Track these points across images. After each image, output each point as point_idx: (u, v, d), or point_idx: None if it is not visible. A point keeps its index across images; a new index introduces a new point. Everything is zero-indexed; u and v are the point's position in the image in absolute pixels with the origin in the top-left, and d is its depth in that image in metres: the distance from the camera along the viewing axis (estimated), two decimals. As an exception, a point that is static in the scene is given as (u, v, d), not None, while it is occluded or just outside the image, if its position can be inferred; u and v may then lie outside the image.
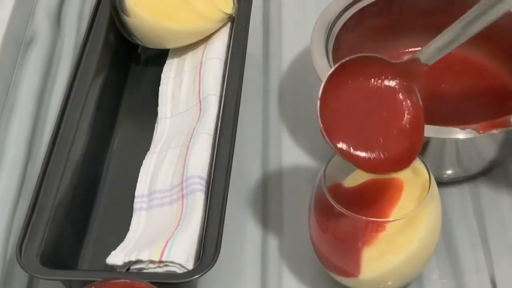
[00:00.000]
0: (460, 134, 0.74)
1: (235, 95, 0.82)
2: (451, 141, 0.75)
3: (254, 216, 0.81)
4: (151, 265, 0.72)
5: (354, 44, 0.86)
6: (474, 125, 0.74)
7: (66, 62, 0.97)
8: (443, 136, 0.74)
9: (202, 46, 0.90)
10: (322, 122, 0.65)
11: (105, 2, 0.91)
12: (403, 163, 0.67)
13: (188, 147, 0.80)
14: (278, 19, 1.00)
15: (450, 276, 0.76)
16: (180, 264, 0.71)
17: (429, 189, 0.68)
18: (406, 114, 0.68)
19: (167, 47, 0.92)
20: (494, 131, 0.73)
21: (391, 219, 0.68)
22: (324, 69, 0.79)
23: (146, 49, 0.94)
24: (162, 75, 0.91)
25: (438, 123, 0.75)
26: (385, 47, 0.89)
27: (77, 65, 0.85)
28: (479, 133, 0.73)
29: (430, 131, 0.74)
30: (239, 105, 0.82)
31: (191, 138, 0.81)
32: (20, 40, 0.99)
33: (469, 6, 0.87)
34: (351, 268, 0.70)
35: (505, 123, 0.74)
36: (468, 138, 0.74)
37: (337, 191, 0.70)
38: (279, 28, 0.99)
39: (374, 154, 0.67)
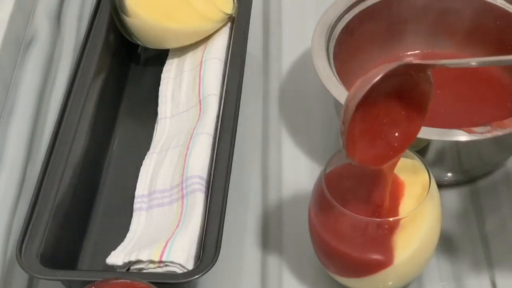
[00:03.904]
0: (463, 136, 0.73)
1: (235, 95, 0.82)
2: (452, 143, 0.75)
3: (254, 216, 0.81)
4: (151, 265, 0.72)
5: (355, 47, 0.86)
6: (480, 127, 0.73)
7: (66, 62, 0.97)
8: (445, 139, 0.74)
9: (202, 46, 0.90)
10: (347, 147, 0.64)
11: (105, 2, 0.91)
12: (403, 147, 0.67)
13: (188, 147, 0.80)
14: (278, 19, 1.00)
15: (450, 276, 0.76)
16: (180, 264, 0.71)
17: (429, 189, 0.68)
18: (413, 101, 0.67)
19: (167, 47, 0.92)
20: (500, 133, 0.73)
21: (391, 219, 0.67)
22: (325, 72, 0.79)
23: (146, 49, 0.94)
24: (162, 75, 0.91)
25: (438, 125, 0.75)
26: (385, 50, 0.89)
27: (77, 65, 0.85)
28: (487, 135, 0.73)
29: (432, 133, 0.74)
30: (239, 105, 0.82)
31: (191, 138, 0.81)
32: (20, 40, 0.99)
33: (469, 9, 0.87)
34: (354, 267, 0.70)
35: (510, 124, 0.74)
36: (469, 141, 0.73)
37: (338, 190, 0.70)
38: (279, 28, 0.99)
39: (383, 147, 0.67)
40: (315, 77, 0.80)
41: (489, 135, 0.73)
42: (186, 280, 0.69)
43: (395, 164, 0.68)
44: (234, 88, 0.83)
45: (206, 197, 0.76)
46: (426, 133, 0.74)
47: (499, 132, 0.73)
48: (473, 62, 0.68)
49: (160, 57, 0.93)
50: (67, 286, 0.74)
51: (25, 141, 0.89)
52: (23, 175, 0.86)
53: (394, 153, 0.67)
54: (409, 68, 0.64)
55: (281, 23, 0.99)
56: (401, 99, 0.66)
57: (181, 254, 0.71)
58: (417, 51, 0.90)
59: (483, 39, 0.87)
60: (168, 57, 0.92)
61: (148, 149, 0.84)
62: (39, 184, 0.76)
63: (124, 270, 0.73)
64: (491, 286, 0.75)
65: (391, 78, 0.63)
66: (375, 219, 0.67)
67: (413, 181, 0.70)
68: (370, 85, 0.62)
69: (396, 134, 0.67)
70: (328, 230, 0.70)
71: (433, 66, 0.64)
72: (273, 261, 0.78)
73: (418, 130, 0.67)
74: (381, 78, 0.62)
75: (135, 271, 0.72)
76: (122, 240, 0.76)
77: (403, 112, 0.66)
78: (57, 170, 0.77)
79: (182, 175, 0.78)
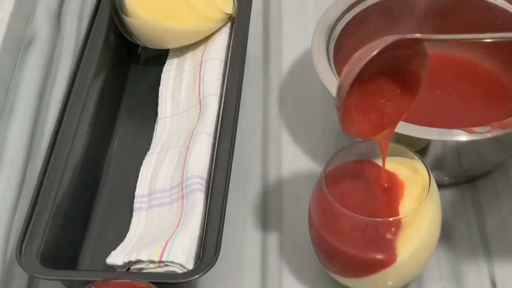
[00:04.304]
0: (463, 136, 0.73)
1: (235, 95, 0.82)
2: (452, 143, 0.75)
3: (254, 216, 0.81)
4: (151, 265, 0.72)
5: (355, 46, 0.86)
6: (480, 127, 0.73)
7: (66, 62, 0.97)
8: (445, 139, 0.74)
9: (202, 46, 0.90)
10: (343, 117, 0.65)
11: (105, 2, 0.91)
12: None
13: (188, 147, 0.80)
14: (278, 19, 1.00)
15: (450, 276, 0.76)
16: (180, 264, 0.71)
17: (429, 189, 0.68)
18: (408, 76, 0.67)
19: (167, 47, 0.92)
20: (500, 133, 0.73)
21: (391, 219, 0.67)
22: (325, 72, 0.79)
23: (146, 49, 0.94)
24: (162, 75, 0.91)
25: (438, 125, 0.75)
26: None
27: (77, 65, 0.85)
28: (487, 135, 0.73)
29: (432, 133, 0.74)
30: (239, 105, 0.82)
31: (191, 138, 0.81)
32: (20, 40, 0.99)
33: (469, 9, 0.87)
34: (354, 266, 0.70)
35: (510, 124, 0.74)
36: (469, 141, 0.73)
37: (338, 190, 0.70)
38: (279, 28, 0.99)
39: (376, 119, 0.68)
40: (315, 77, 0.80)
41: (489, 135, 0.73)
42: (186, 280, 0.69)
43: (391, 134, 0.69)
44: (234, 88, 0.83)
45: (206, 197, 0.76)
46: (426, 133, 0.74)
47: (499, 132, 0.73)
48: (468, 37, 0.69)
49: (160, 57, 0.93)
50: (67, 286, 0.74)
51: (25, 141, 0.89)
52: (23, 175, 0.86)
53: (390, 124, 0.68)
54: (404, 43, 0.64)
55: (281, 23, 0.99)
56: (396, 72, 0.66)
57: (181, 254, 0.71)
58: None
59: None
60: (168, 57, 0.92)
61: (148, 149, 0.84)
62: (39, 184, 0.76)
63: (124, 270, 0.73)
64: (491, 286, 0.75)
65: (386, 53, 0.63)
66: (375, 219, 0.67)
67: (413, 181, 0.70)
68: (364, 62, 0.62)
69: (391, 106, 0.67)
70: (328, 230, 0.70)
71: (428, 41, 0.65)
72: (273, 261, 0.78)
73: (412, 101, 0.67)
74: (375, 55, 0.62)
75: (135, 271, 0.72)
76: (122, 240, 0.76)
77: (398, 85, 0.67)
78: (57, 170, 0.77)
79: (182, 175, 0.78)
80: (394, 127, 0.69)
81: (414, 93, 0.67)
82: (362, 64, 0.62)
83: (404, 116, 0.68)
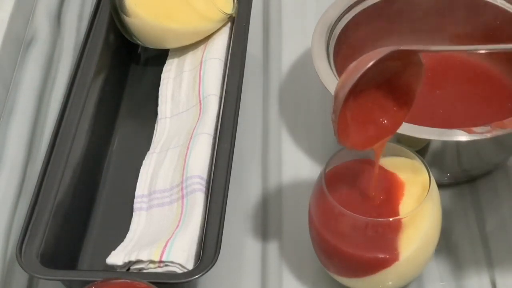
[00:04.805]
0: (463, 136, 0.73)
1: (235, 95, 0.82)
2: (452, 143, 0.75)
3: (254, 216, 0.81)
4: (151, 265, 0.72)
5: (355, 46, 0.86)
6: (480, 127, 0.73)
7: (66, 62, 0.97)
8: (445, 139, 0.74)
9: (202, 46, 0.90)
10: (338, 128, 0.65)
11: (105, 2, 0.91)
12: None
13: (188, 147, 0.80)
14: (278, 19, 1.00)
15: (450, 276, 0.76)
16: (180, 264, 0.71)
17: (429, 189, 0.68)
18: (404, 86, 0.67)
19: (167, 47, 0.92)
20: (500, 133, 0.73)
21: (391, 219, 0.67)
22: (325, 72, 0.79)
23: (146, 49, 0.94)
24: (162, 75, 0.91)
25: (438, 125, 0.75)
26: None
27: (77, 65, 0.85)
28: (487, 135, 0.73)
29: (432, 133, 0.74)
30: (239, 105, 0.82)
31: (191, 138, 0.81)
32: (20, 40, 0.99)
33: (469, 9, 0.87)
34: (354, 266, 0.70)
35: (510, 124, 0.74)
36: (469, 141, 0.73)
37: (338, 189, 0.70)
38: (279, 28, 0.99)
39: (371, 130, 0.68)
40: (315, 77, 0.80)
41: (489, 135, 0.73)
42: (186, 280, 0.69)
43: (385, 143, 0.69)
44: (234, 88, 0.83)
45: (206, 197, 0.76)
46: (426, 133, 0.74)
47: (499, 132, 0.73)
48: (463, 48, 0.69)
49: (160, 57, 0.93)
50: (67, 286, 0.74)
51: (25, 141, 0.89)
52: (23, 175, 0.86)
53: (385, 134, 0.68)
54: (399, 54, 0.64)
55: (281, 23, 0.99)
56: (390, 83, 0.66)
57: (181, 254, 0.71)
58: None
59: (483, 39, 0.87)
60: (168, 57, 0.92)
61: (148, 149, 0.84)
62: (39, 184, 0.76)
63: (124, 270, 0.73)
64: (491, 286, 0.75)
65: (381, 64, 0.63)
66: (375, 219, 0.67)
67: (413, 181, 0.70)
68: (359, 74, 0.62)
69: (387, 117, 0.67)
70: (328, 230, 0.70)
71: (422, 51, 0.65)
72: (273, 261, 0.78)
73: (408, 111, 0.67)
74: (370, 67, 0.62)
75: (135, 271, 0.72)
76: (122, 240, 0.76)
77: (393, 96, 0.67)
78: (57, 170, 0.77)
79: (182, 175, 0.78)
80: (390, 137, 0.69)
81: (409, 103, 0.67)
82: (357, 76, 0.62)
83: (399, 127, 0.68)
